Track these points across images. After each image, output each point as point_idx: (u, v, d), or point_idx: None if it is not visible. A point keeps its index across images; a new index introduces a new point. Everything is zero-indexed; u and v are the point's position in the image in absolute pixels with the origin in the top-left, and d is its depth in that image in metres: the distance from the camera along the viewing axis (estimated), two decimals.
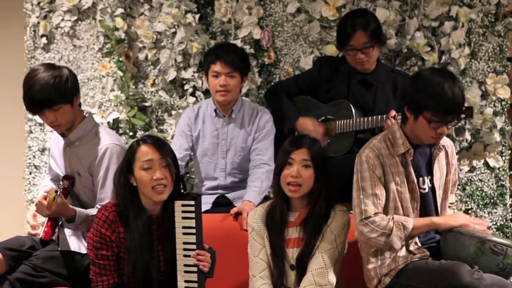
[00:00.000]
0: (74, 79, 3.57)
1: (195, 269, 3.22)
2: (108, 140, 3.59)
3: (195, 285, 3.22)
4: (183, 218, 3.27)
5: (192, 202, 3.27)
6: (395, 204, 3.35)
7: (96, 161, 3.55)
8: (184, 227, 3.26)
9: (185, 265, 3.24)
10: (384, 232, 3.27)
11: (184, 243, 3.25)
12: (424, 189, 3.42)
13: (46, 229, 3.56)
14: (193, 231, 3.25)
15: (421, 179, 3.41)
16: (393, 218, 3.29)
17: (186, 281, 3.23)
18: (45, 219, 3.58)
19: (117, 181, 3.28)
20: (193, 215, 3.26)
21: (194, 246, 3.24)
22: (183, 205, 3.28)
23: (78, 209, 3.51)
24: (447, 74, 3.33)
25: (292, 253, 3.35)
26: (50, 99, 3.46)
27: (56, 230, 3.59)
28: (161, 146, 3.30)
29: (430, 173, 3.45)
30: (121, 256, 3.23)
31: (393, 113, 3.97)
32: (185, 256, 3.24)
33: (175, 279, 3.25)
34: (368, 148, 3.36)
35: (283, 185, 3.35)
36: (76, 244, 3.51)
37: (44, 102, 3.46)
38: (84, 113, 3.66)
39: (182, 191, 3.33)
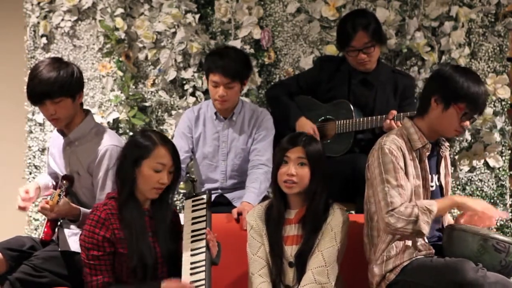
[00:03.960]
0: (79, 76, 3.57)
1: (203, 249, 3.23)
2: (109, 141, 3.59)
3: (203, 263, 3.21)
4: (193, 211, 3.37)
5: (204, 196, 3.43)
6: (411, 198, 3.35)
7: (96, 161, 3.55)
8: (193, 218, 3.34)
9: (192, 250, 3.26)
10: (411, 219, 3.24)
11: (193, 231, 3.31)
12: (432, 186, 3.44)
13: (45, 229, 3.56)
14: (203, 218, 3.33)
15: (430, 176, 3.42)
16: (416, 204, 3.27)
17: (192, 263, 3.23)
18: (44, 218, 3.59)
19: (124, 171, 3.29)
20: (204, 206, 3.37)
21: (203, 231, 3.29)
22: (193, 201, 3.41)
23: (82, 208, 3.52)
24: (478, 76, 3.43)
25: (291, 250, 3.36)
26: (52, 89, 3.46)
27: (56, 230, 3.59)
28: (176, 153, 3.35)
29: (437, 171, 3.47)
30: (120, 252, 3.24)
31: (393, 114, 3.97)
32: (192, 242, 3.28)
33: (172, 271, 3.27)
34: (389, 141, 3.36)
35: (279, 182, 3.37)
36: (76, 244, 3.50)
37: (46, 92, 3.46)
38: (85, 113, 3.66)
39: (192, 193, 3.44)
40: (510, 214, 4.53)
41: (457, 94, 3.29)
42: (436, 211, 3.27)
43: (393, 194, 3.27)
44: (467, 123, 3.35)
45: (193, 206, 3.39)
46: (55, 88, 3.46)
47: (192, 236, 3.29)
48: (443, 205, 3.33)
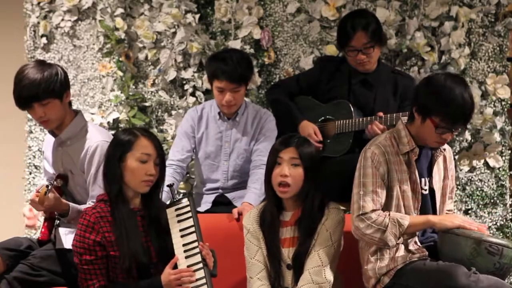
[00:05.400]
0: (64, 76, 3.58)
1: (200, 265, 3.20)
2: (99, 138, 3.60)
3: (203, 280, 3.18)
4: (179, 221, 3.29)
5: (187, 202, 3.31)
6: (398, 202, 3.35)
7: (87, 158, 3.56)
8: (181, 230, 3.27)
9: (189, 266, 3.21)
10: (380, 228, 3.26)
11: (184, 245, 3.25)
12: (425, 190, 3.43)
13: (43, 229, 3.57)
14: (192, 229, 3.26)
15: (422, 180, 3.41)
16: (389, 214, 3.29)
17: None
18: (41, 218, 3.59)
19: (111, 169, 3.27)
20: (189, 214, 3.29)
21: (195, 244, 3.23)
22: (176, 209, 3.31)
23: (71, 204, 3.52)
24: (460, 81, 3.33)
25: (288, 252, 3.35)
26: (38, 93, 3.47)
27: (53, 230, 3.59)
28: (159, 143, 3.34)
29: (430, 175, 3.45)
30: (112, 255, 3.23)
31: (380, 115, 3.97)
32: (187, 257, 3.23)
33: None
34: (374, 145, 3.37)
35: (274, 185, 3.37)
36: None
37: (33, 95, 3.47)
38: (75, 112, 3.67)
39: (171, 199, 3.38)
40: (511, 214, 4.53)
41: (429, 109, 3.27)
42: (407, 226, 3.27)
43: (366, 199, 3.29)
44: (448, 135, 3.32)
45: (177, 215, 3.30)
46: (41, 90, 3.47)
47: (185, 251, 3.23)
48: (416, 221, 3.32)
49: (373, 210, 3.28)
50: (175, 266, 3.22)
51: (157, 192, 3.35)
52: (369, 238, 3.30)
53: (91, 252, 3.21)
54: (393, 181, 3.33)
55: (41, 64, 3.56)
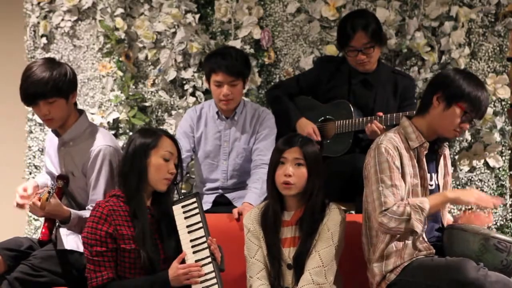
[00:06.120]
0: (72, 76, 3.57)
1: (208, 260, 3.22)
2: (102, 141, 3.59)
3: (213, 274, 3.20)
4: (186, 218, 3.31)
5: (194, 199, 3.34)
6: (408, 196, 3.34)
7: (89, 162, 3.55)
8: (188, 226, 3.29)
9: (197, 261, 3.23)
10: (403, 218, 3.24)
11: (192, 240, 3.27)
12: (432, 185, 3.43)
13: (43, 230, 3.56)
14: (200, 225, 3.28)
15: (428, 175, 3.42)
16: (408, 202, 3.27)
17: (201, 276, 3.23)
18: (42, 218, 3.59)
19: (137, 163, 3.30)
20: (197, 211, 3.31)
21: (203, 239, 3.26)
22: (183, 206, 3.34)
23: (73, 211, 3.51)
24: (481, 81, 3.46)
25: (289, 252, 3.35)
26: (45, 90, 3.46)
27: (54, 230, 3.59)
28: (178, 146, 3.41)
29: (435, 170, 3.47)
30: (122, 248, 3.25)
31: (379, 115, 3.97)
32: (195, 252, 3.25)
33: None
34: (386, 140, 3.36)
35: (277, 184, 3.37)
36: (74, 243, 3.51)
37: (39, 92, 3.46)
38: (79, 113, 3.66)
39: (177, 196, 3.41)
40: (510, 214, 4.53)
41: (460, 94, 3.30)
42: (428, 209, 3.27)
43: (387, 194, 3.27)
44: (466, 125, 3.36)
45: (184, 212, 3.33)
46: (48, 88, 3.46)
47: (193, 247, 3.26)
48: (436, 201, 3.32)
49: (394, 204, 3.27)
50: (182, 261, 3.24)
51: (169, 191, 3.38)
52: (395, 231, 3.27)
53: (102, 244, 3.22)
54: (405, 175, 3.33)
55: (51, 62, 3.55)
